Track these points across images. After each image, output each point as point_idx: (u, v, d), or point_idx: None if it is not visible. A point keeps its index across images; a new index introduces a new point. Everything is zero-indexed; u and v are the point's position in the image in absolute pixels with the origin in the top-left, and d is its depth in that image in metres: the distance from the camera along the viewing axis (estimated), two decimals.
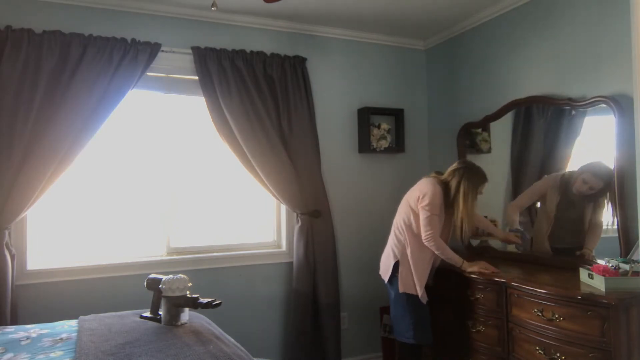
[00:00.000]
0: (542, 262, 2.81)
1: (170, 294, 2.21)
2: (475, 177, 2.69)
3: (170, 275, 2.27)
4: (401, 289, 2.68)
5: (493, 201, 3.24)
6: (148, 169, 3.15)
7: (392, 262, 2.73)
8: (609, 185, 2.50)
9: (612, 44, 2.49)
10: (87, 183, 3.00)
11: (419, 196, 2.68)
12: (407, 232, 2.71)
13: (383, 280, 2.84)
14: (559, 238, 2.84)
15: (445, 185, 2.71)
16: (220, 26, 3.25)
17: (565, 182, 2.77)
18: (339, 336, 3.34)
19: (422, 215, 2.63)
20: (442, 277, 2.86)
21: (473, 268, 2.67)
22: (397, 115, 3.74)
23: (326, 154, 3.50)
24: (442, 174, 2.79)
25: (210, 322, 2.33)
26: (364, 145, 3.61)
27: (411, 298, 2.67)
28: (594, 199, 2.63)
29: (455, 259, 2.70)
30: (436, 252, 2.67)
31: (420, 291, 2.65)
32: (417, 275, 2.66)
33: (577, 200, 2.71)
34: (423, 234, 2.63)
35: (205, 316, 2.43)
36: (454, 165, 2.77)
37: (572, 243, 2.74)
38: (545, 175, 2.92)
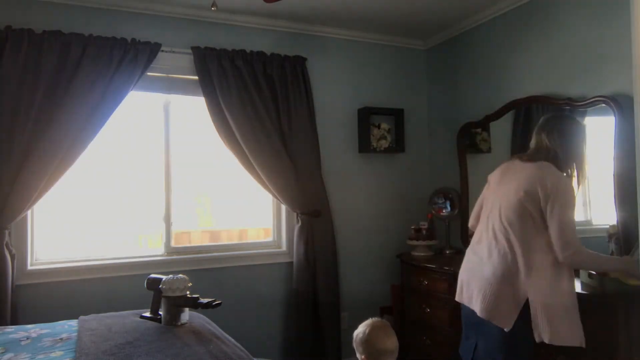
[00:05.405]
0: None
1: (170, 294, 2.21)
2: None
3: (170, 275, 2.27)
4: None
5: None
6: (148, 168, 3.14)
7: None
8: None
9: (612, 44, 2.49)
10: (87, 183, 3.00)
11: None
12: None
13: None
14: None
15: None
16: (220, 26, 3.25)
17: None
18: (339, 336, 3.34)
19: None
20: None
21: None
22: (397, 115, 3.74)
23: (326, 154, 3.50)
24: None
25: (210, 322, 2.33)
26: (364, 145, 3.61)
27: None
28: None
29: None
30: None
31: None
32: None
33: None
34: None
35: (205, 316, 2.43)
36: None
37: None
38: None
